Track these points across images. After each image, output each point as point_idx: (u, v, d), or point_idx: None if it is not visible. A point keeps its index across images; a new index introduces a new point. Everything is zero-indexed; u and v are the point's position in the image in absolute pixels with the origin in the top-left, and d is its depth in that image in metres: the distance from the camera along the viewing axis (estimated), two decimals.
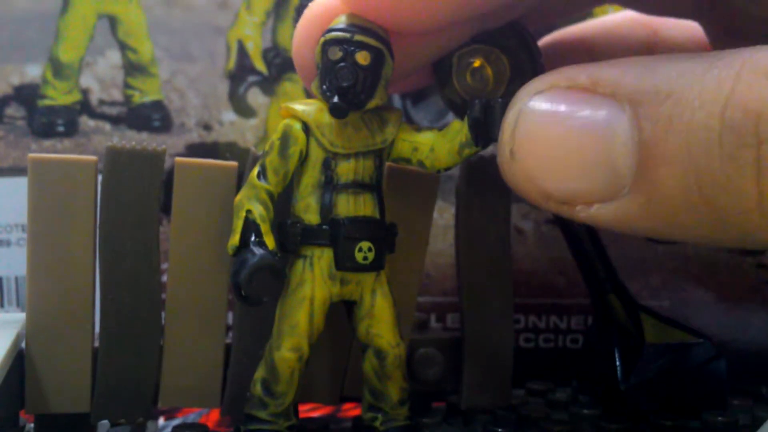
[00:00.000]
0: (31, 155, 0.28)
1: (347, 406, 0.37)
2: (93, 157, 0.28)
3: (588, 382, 0.36)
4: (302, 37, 0.28)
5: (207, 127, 0.42)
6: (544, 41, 0.36)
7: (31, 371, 0.28)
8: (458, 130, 0.27)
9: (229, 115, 0.42)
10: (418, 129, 0.28)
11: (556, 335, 0.42)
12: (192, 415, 0.37)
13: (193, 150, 0.41)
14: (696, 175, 0.18)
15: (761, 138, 0.17)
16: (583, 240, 0.34)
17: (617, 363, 0.33)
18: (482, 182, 0.31)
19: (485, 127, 0.25)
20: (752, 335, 0.41)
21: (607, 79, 0.20)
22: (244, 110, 0.42)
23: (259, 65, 0.42)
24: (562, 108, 0.20)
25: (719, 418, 0.31)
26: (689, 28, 0.33)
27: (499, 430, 0.30)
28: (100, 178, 0.28)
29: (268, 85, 0.42)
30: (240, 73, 0.42)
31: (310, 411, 0.36)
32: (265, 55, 0.42)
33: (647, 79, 0.19)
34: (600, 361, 0.34)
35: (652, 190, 0.19)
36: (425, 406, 0.34)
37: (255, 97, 0.42)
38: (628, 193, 0.19)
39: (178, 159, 0.29)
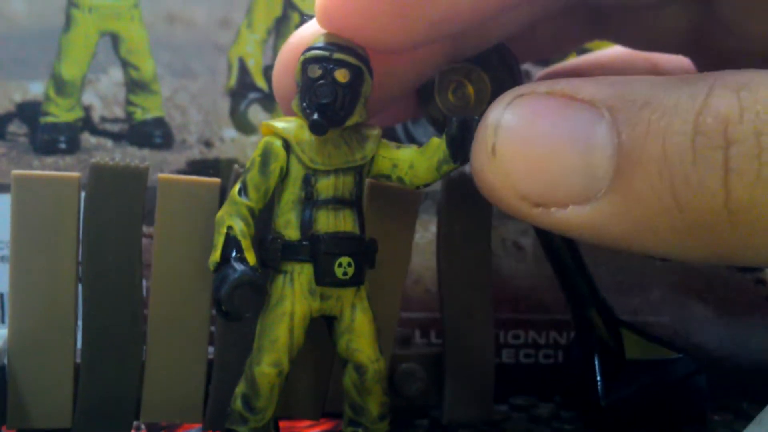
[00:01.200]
0: (15, 172, 0.28)
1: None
2: (76, 174, 0.29)
3: (570, 397, 0.36)
4: (282, 66, 0.28)
5: (208, 144, 0.42)
6: (537, 77, 0.37)
7: (13, 386, 0.28)
8: (437, 147, 0.27)
9: (230, 132, 0.42)
10: (398, 146, 0.28)
11: (556, 351, 0.42)
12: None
13: (195, 166, 0.42)
14: (670, 178, 0.19)
15: (729, 140, 0.19)
16: (563, 256, 0.35)
17: (598, 379, 0.33)
18: (463, 198, 0.32)
19: (463, 144, 0.26)
20: (752, 351, 0.41)
21: (586, 88, 0.21)
22: (245, 127, 0.42)
23: (260, 82, 0.42)
24: (544, 111, 0.21)
25: None
26: (687, 63, 0.34)
27: None
28: (83, 194, 0.29)
29: (269, 102, 0.43)
30: (241, 90, 0.42)
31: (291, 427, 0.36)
32: (266, 72, 0.42)
33: (625, 89, 0.20)
34: (581, 376, 0.34)
35: (628, 193, 0.19)
36: (408, 421, 0.34)
37: (256, 113, 0.42)
38: (604, 196, 0.20)
39: (161, 175, 0.29)
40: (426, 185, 0.28)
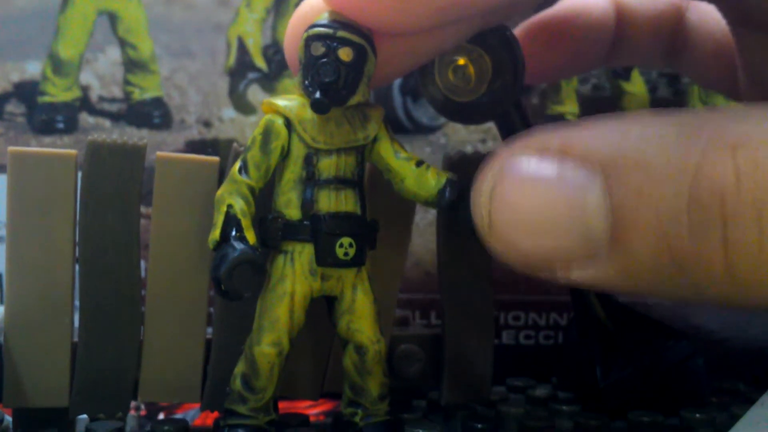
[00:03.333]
0: (11, 148, 0.28)
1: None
2: (73, 151, 0.28)
3: (567, 378, 0.36)
4: (292, 36, 0.28)
5: (207, 124, 0.42)
6: (520, 26, 0.36)
7: (10, 365, 0.28)
8: (431, 185, 0.28)
9: (229, 112, 0.42)
10: (396, 152, 0.28)
11: (556, 332, 0.42)
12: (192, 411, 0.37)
13: (194, 146, 0.42)
14: (668, 246, 0.18)
15: (726, 217, 0.18)
16: None
17: (596, 360, 0.33)
18: (464, 178, 0.32)
19: (457, 216, 0.27)
20: (751, 333, 0.42)
21: (578, 144, 0.20)
22: (244, 107, 0.42)
23: (259, 62, 0.42)
24: (536, 173, 0.20)
25: (697, 415, 0.31)
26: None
27: (479, 425, 0.30)
28: (80, 172, 0.28)
29: (268, 81, 0.42)
30: (240, 69, 0.42)
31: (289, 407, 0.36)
32: (265, 51, 0.42)
33: (617, 145, 0.19)
34: (579, 358, 0.34)
35: (627, 255, 0.19)
36: (406, 402, 0.34)
37: (255, 93, 0.42)
38: (605, 258, 0.19)
39: (159, 153, 0.29)
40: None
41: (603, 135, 0.20)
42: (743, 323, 0.42)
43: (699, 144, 0.18)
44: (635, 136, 0.19)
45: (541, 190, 0.20)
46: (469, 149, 0.43)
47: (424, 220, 0.42)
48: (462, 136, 0.43)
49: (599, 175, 0.19)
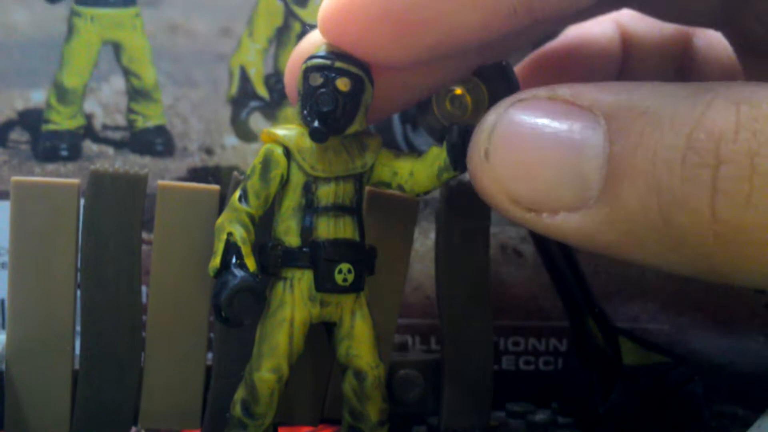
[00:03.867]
0: (14, 178, 0.28)
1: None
2: (75, 180, 0.29)
3: (567, 404, 0.36)
4: (292, 69, 0.29)
5: (209, 152, 0.42)
6: (526, 59, 0.36)
7: (11, 393, 0.28)
8: (437, 155, 0.27)
9: (231, 140, 0.42)
10: (397, 155, 0.28)
11: (556, 357, 0.42)
12: None
13: (196, 174, 0.42)
14: (657, 193, 0.19)
15: (720, 159, 0.18)
16: (559, 263, 0.35)
17: (595, 386, 0.33)
18: (462, 206, 0.32)
19: (463, 152, 0.26)
20: (750, 358, 0.42)
21: (587, 94, 0.20)
22: (246, 135, 0.42)
23: (261, 91, 0.43)
24: (540, 116, 0.20)
25: None
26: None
27: None
28: (83, 201, 0.29)
29: (270, 110, 0.43)
30: (242, 98, 0.42)
31: None
32: (267, 80, 0.42)
33: (625, 95, 0.20)
34: (578, 383, 0.35)
35: (616, 205, 0.19)
36: (406, 428, 0.34)
37: (257, 122, 0.43)
38: (593, 205, 0.19)
39: (160, 182, 0.29)
40: (426, 193, 0.28)
41: (612, 88, 0.20)
42: (742, 348, 0.42)
43: (706, 98, 0.19)
44: (645, 90, 0.20)
45: (543, 134, 0.20)
46: (468, 178, 0.43)
47: (424, 246, 0.42)
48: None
49: (602, 123, 0.19)
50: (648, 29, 0.36)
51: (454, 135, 0.26)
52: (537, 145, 0.20)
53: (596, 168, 0.19)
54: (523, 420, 0.36)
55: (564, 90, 0.21)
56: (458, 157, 0.26)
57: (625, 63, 0.36)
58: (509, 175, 0.21)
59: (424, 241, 0.42)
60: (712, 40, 0.36)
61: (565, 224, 0.20)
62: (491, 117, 0.21)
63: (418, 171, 0.28)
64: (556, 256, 0.35)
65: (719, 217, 0.18)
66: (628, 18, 0.36)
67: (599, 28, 0.36)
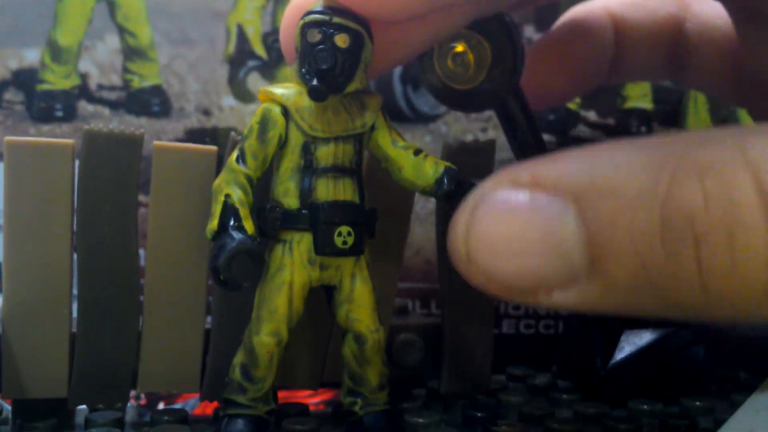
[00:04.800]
0: (7, 138, 0.28)
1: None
2: (70, 141, 0.28)
3: (567, 367, 0.36)
4: (288, 25, 0.28)
5: (206, 112, 0.41)
6: (534, 44, 0.36)
7: (8, 356, 0.28)
8: (429, 174, 0.27)
9: (228, 100, 0.42)
10: (394, 141, 0.28)
11: (556, 321, 0.42)
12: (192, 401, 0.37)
13: (193, 135, 0.41)
14: (644, 269, 0.19)
15: (698, 237, 0.18)
16: None
17: (596, 349, 0.33)
18: (464, 167, 0.31)
19: (453, 198, 0.27)
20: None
21: (548, 175, 0.20)
22: (243, 95, 0.42)
23: (259, 50, 0.42)
24: (509, 204, 0.20)
25: (697, 403, 0.31)
26: (718, 6, 0.33)
27: (478, 414, 0.30)
28: (78, 162, 0.28)
29: (268, 69, 0.42)
30: (239, 57, 0.42)
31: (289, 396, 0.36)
32: (265, 39, 0.42)
33: (587, 174, 0.20)
34: (579, 346, 0.34)
35: (607, 279, 0.19)
36: (406, 391, 0.34)
37: (255, 81, 0.42)
38: (585, 281, 0.20)
39: (156, 143, 0.29)
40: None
41: (571, 165, 0.20)
42: None
43: (667, 170, 0.19)
44: (604, 165, 0.20)
45: (515, 220, 0.20)
46: (469, 138, 0.42)
47: (425, 209, 0.42)
48: (463, 125, 0.43)
49: (571, 204, 0.19)
50: (639, 16, 0.36)
51: (445, 185, 0.27)
52: (514, 233, 0.20)
53: (577, 247, 0.19)
54: (523, 383, 0.36)
55: (524, 174, 0.20)
56: (447, 201, 0.27)
57: (619, 50, 0.36)
58: (496, 272, 0.21)
59: (426, 203, 0.42)
60: (704, 22, 0.35)
61: (563, 300, 0.20)
62: (461, 221, 0.21)
63: (406, 172, 0.28)
64: None
65: (709, 287, 0.18)
66: (619, 5, 0.36)
67: (592, 17, 0.35)
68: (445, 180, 0.27)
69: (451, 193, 0.27)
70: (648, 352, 0.33)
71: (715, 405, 0.31)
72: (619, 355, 0.33)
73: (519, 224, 0.20)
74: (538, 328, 0.43)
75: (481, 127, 0.43)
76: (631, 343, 0.33)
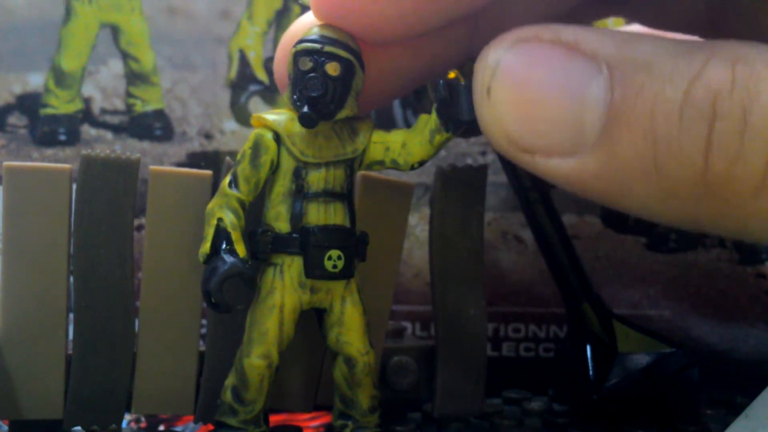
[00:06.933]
0: (6, 163, 0.28)
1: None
2: (67, 166, 0.29)
3: (562, 390, 0.36)
4: (282, 54, 0.28)
5: (208, 136, 0.42)
6: None
7: (4, 377, 0.28)
8: (426, 120, 0.27)
9: (230, 124, 0.42)
10: (388, 130, 0.28)
11: (556, 344, 0.42)
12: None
13: (195, 159, 0.42)
14: (653, 144, 0.19)
15: (716, 114, 0.19)
16: (556, 250, 0.34)
17: (590, 372, 0.33)
18: (456, 191, 0.32)
19: (452, 108, 0.26)
20: (752, 345, 0.41)
21: (591, 41, 0.21)
22: (245, 119, 0.42)
23: (261, 74, 0.42)
24: (543, 60, 0.21)
25: (692, 428, 0.31)
26: None
27: None
28: (75, 186, 0.29)
29: (270, 94, 0.42)
30: (241, 82, 0.42)
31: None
32: (267, 64, 0.42)
33: (627, 47, 0.20)
34: (574, 369, 0.34)
35: (611, 152, 0.20)
36: (400, 414, 0.34)
37: (256, 106, 0.42)
38: (588, 152, 0.20)
39: (152, 167, 0.29)
40: (421, 163, 0.28)
41: (615, 38, 0.21)
42: (742, 334, 0.42)
43: (704, 55, 0.19)
44: (645, 44, 0.20)
45: (545, 77, 0.20)
46: (469, 161, 0.43)
47: (424, 232, 0.42)
48: (462, 149, 0.44)
49: (604, 71, 0.20)
50: None
51: (441, 89, 0.26)
52: (538, 90, 0.21)
53: (595, 115, 0.20)
54: (518, 407, 0.36)
55: (568, 34, 0.21)
56: (448, 113, 0.26)
57: None
58: (508, 115, 0.21)
59: (425, 227, 0.42)
60: None
61: (557, 168, 0.21)
62: (494, 53, 0.21)
63: (409, 140, 0.28)
64: (554, 242, 0.34)
65: (712, 169, 0.19)
66: None
67: None
68: (441, 86, 0.26)
69: (448, 99, 0.26)
70: (642, 375, 0.33)
71: (710, 429, 0.31)
72: (613, 378, 0.33)
73: (547, 81, 0.20)
74: (537, 351, 0.43)
75: (480, 150, 0.44)
76: (626, 366, 0.33)
